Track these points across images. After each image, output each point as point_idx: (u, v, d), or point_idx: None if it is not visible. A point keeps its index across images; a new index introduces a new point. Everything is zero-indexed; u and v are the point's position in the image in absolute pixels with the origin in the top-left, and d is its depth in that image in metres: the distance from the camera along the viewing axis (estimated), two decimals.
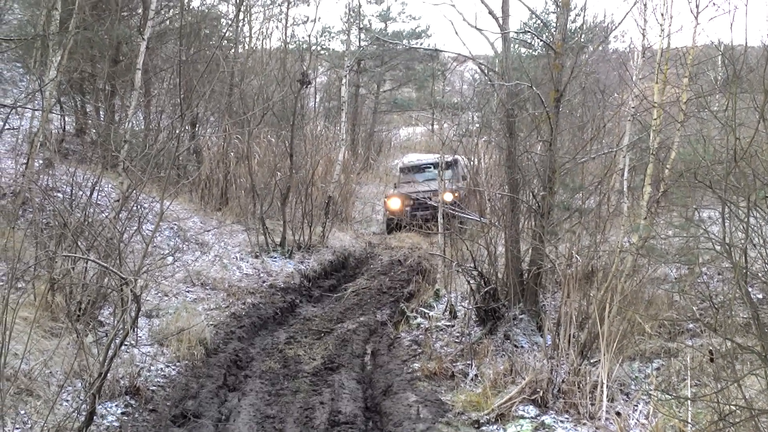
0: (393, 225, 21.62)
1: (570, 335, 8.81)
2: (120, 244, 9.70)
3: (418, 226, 18.29)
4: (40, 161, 13.82)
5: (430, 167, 22.98)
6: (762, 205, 5.69)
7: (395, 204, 21.75)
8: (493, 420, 8.16)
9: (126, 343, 9.78)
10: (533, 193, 10.69)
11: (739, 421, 5.26)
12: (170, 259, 14.22)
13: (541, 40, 13.56)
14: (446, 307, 11.92)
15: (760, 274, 6.29)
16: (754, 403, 5.45)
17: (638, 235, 9.13)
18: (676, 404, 7.27)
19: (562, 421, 7.79)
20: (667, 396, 7.49)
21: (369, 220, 24.11)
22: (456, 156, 19.04)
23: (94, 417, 7.54)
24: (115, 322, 8.77)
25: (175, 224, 16.00)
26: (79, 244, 9.66)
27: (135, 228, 11.26)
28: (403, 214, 21.08)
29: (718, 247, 5.81)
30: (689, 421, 6.58)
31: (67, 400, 7.68)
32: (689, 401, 6.88)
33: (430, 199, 19.33)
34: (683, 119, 9.26)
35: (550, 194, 10.14)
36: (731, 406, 5.48)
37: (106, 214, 12.05)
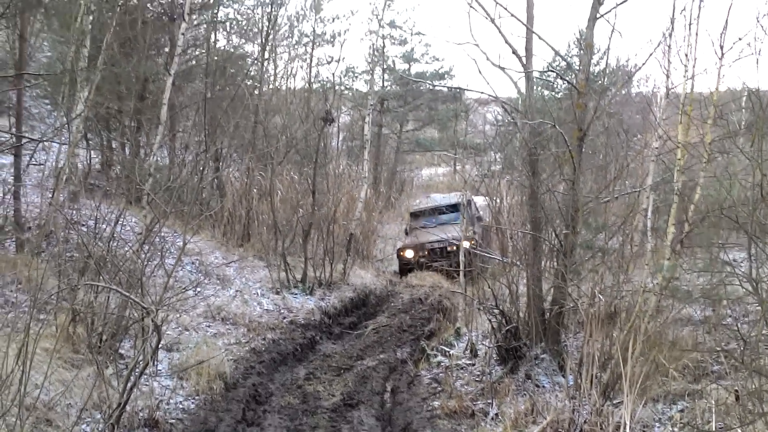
0: (407, 268, 21.12)
1: (592, 375, 8.70)
2: (142, 275, 9.71)
3: (435, 266, 19.10)
4: (66, 195, 13.94)
5: (444, 210, 21.71)
6: None
7: (409, 255, 20.96)
8: None
9: (146, 373, 9.78)
10: (555, 232, 10.64)
11: None
12: (191, 292, 14.26)
13: (565, 80, 13.62)
14: (467, 345, 11.84)
15: None
16: None
17: (662, 275, 9.06)
18: None
19: None
20: None
21: (390, 258, 24.01)
22: (469, 196, 18.61)
23: None
24: (136, 353, 8.75)
25: (197, 259, 16.05)
26: (102, 275, 9.72)
27: (157, 261, 11.34)
28: (418, 265, 20.65)
29: (745, 284, 5.75)
30: None
31: (86, 431, 7.65)
32: None
33: (446, 249, 19.60)
34: (708, 159, 9.22)
35: (573, 233, 10.09)
36: None
37: (129, 247, 12.10)
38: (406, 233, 22.53)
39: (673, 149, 9.66)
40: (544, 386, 9.78)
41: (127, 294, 7.88)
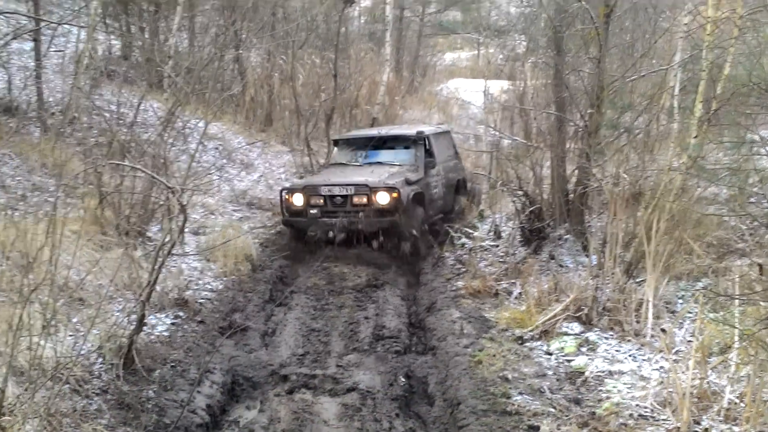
0: (295, 234, 12.44)
1: (616, 255, 8.75)
2: (165, 157, 9.73)
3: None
4: (87, 81, 13.86)
5: (385, 144, 13.53)
6: None
7: (297, 202, 12.11)
8: (537, 336, 8.19)
9: (174, 255, 9.95)
10: (580, 112, 10.49)
11: None
12: (215, 175, 14.37)
13: None
14: (490, 227, 11.89)
15: None
16: None
17: (688, 154, 8.93)
18: (723, 321, 7.20)
19: (606, 338, 7.78)
20: (714, 313, 7.42)
21: None
22: (423, 129, 13.55)
23: (145, 325, 7.75)
24: (163, 233, 8.86)
25: (220, 144, 16.07)
26: (127, 158, 9.77)
27: (180, 144, 11.37)
28: (309, 218, 11.98)
29: None
30: (736, 325, 6.53)
31: (118, 310, 7.83)
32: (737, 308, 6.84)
33: (351, 199, 11.71)
34: (738, 34, 8.95)
35: (598, 113, 9.94)
36: None
37: (152, 131, 12.13)
38: (310, 170, 15.43)
39: (703, 25, 9.35)
40: (567, 266, 9.85)
41: (153, 174, 7.91)
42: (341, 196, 11.74)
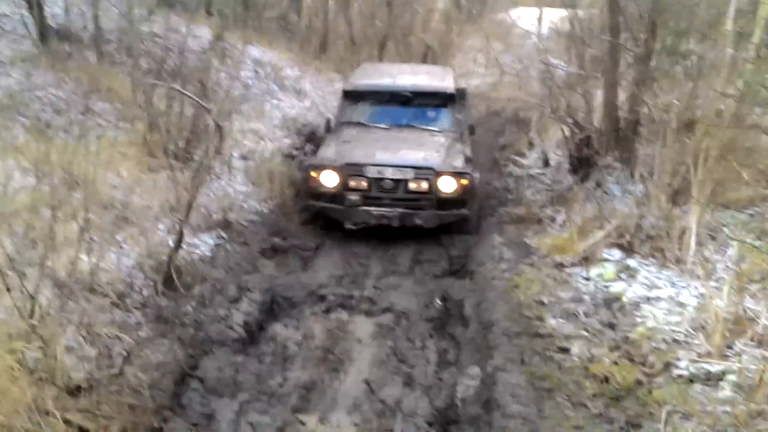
0: (324, 211, 9.55)
1: (663, 183, 8.59)
2: (209, 81, 9.78)
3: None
4: (142, 8, 13.92)
5: (413, 100, 10.59)
6: None
7: (329, 182, 9.27)
8: (578, 262, 8.14)
9: (220, 176, 10.13)
10: (635, 38, 10.18)
11: None
12: (268, 105, 14.43)
13: None
14: (539, 156, 11.74)
15: None
16: None
17: (743, 80, 8.64)
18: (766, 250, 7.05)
19: (646, 265, 7.68)
20: (758, 241, 7.27)
21: (470, 72, 23.43)
22: (448, 81, 11.12)
23: (184, 245, 7.93)
24: (202, 154, 8.96)
25: (273, 71, 16.08)
26: (176, 83, 9.85)
27: (231, 70, 11.42)
28: (347, 207, 9.22)
29: None
30: None
31: (161, 230, 8.00)
32: None
33: (407, 185, 9.09)
34: None
35: (652, 39, 9.64)
36: None
37: (200, 57, 12.17)
38: (328, 129, 10.76)
39: None
40: (614, 194, 9.68)
41: (188, 94, 7.99)
42: (394, 180, 9.04)
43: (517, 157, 12.02)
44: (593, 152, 10.25)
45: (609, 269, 7.82)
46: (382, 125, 10.27)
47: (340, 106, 10.91)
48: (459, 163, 9.23)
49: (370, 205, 9.08)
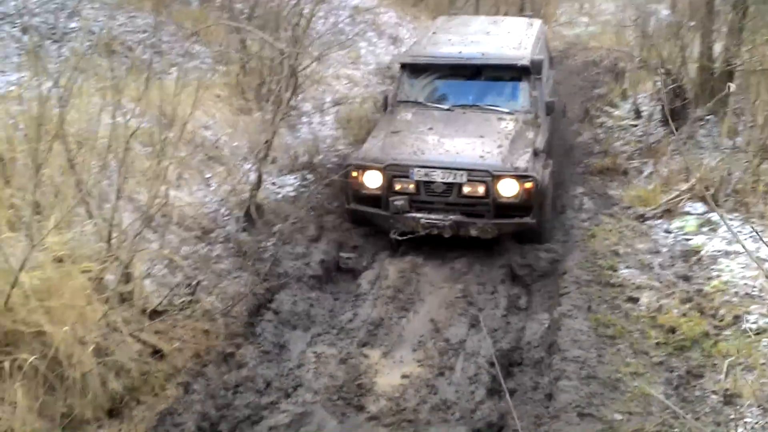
0: (367, 215, 8.04)
1: (755, 137, 8.37)
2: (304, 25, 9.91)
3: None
4: None
5: (487, 73, 8.95)
6: None
7: (372, 183, 7.81)
8: (659, 215, 8.07)
9: (309, 121, 10.37)
10: None
11: None
12: (363, 51, 14.56)
13: None
14: (632, 107, 11.52)
15: None
16: None
17: None
18: None
19: (729, 219, 7.54)
20: None
21: (575, 21, 22.83)
22: (525, 50, 9.03)
23: (269, 183, 8.23)
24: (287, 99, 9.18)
25: (370, 17, 16.15)
26: (267, 28, 10.07)
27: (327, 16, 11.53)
28: (393, 214, 7.67)
29: None
30: None
31: (248, 170, 8.30)
32: None
33: (461, 188, 7.57)
34: None
35: None
36: None
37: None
38: (384, 107, 9.20)
39: None
40: (704, 147, 9.47)
41: (265, 36, 8.21)
42: (445, 183, 7.58)
43: (609, 108, 11.81)
44: (685, 104, 10.00)
45: (690, 222, 7.73)
46: (443, 106, 8.69)
47: (398, 81, 9.34)
48: (523, 162, 7.54)
49: (418, 210, 7.62)
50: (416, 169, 7.57)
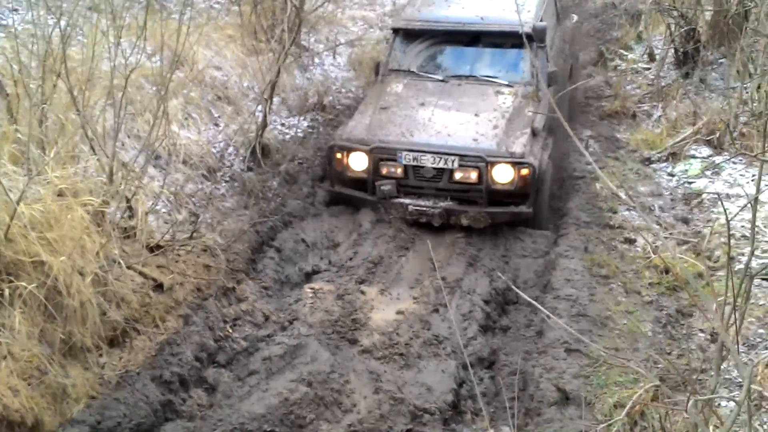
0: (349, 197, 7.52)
1: (765, 81, 8.30)
2: None
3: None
4: None
5: (486, 40, 8.27)
6: None
7: (357, 165, 7.23)
8: (664, 158, 8.11)
9: (323, 64, 10.41)
10: None
11: None
12: None
13: None
14: (645, 50, 11.41)
15: None
16: None
17: None
18: None
19: (733, 163, 7.56)
20: None
21: None
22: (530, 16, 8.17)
23: (279, 124, 8.33)
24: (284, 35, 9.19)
25: None
26: None
27: None
28: (379, 198, 7.17)
29: None
30: None
31: (258, 111, 8.37)
32: None
33: (452, 173, 7.04)
34: None
35: None
36: None
37: None
38: (377, 75, 8.55)
39: None
40: (717, 90, 9.40)
41: None
42: (436, 168, 7.07)
43: (623, 51, 11.70)
44: (699, 47, 9.91)
45: (694, 166, 7.76)
46: (437, 76, 8.01)
47: (389, 47, 8.64)
48: (519, 146, 6.96)
49: (405, 196, 7.13)
50: (404, 153, 7.04)
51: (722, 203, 5.78)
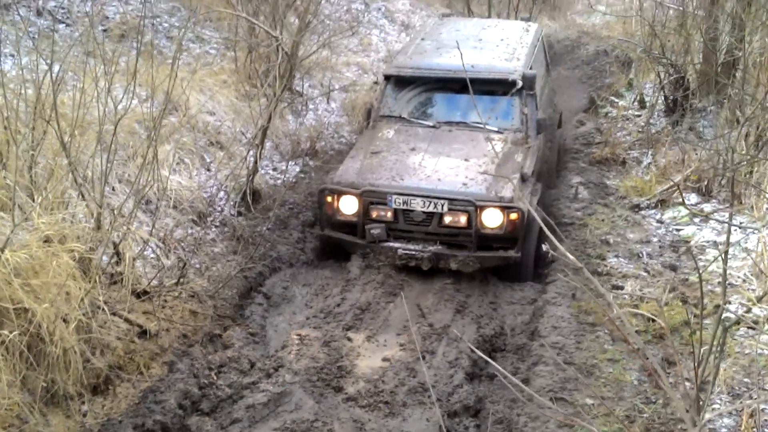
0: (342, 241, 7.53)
1: (754, 128, 8.38)
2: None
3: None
4: None
5: (481, 87, 8.14)
6: None
7: (347, 208, 7.31)
8: (653, 205, 8.16)
9: (315, 107, 10.50)
10: None
11: None
12: (375, 38, 14.68)
13: None
14: (636, 97, 11.54)
15: None
16: None
17: None
18: None
19: (721, 210, 7.59)
20: None
21: (590, 12, 22.74)
22: (519, 64, 8.39)
23: (270, 169, 8.37)
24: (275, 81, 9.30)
25: (383, 5, 16.24)
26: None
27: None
28: (369, 242, 7.24)
29: None
30: None
31: (250, 156, 8.43)
32: None
33: (442, 217, 7.09)
34: None
35: None
36: None
37: None
38: (367, 120, 8.83)
39: None
40: (706, 138, 9.49)
41: (259, 24, 8.39)
42: (425, 212, 7.10)
43: (614, 98, 11.84)
44: (688, 94, 10.02)
45: (683, 213, 7.79)
46: (428, 122, 8.16)
47: (381, 94, 8.72)
48: (509, 190, 6.97)
49: (395, 240, 7.19)
50: (394, 196, 7.07)
51: (695, 259, 5.80)
